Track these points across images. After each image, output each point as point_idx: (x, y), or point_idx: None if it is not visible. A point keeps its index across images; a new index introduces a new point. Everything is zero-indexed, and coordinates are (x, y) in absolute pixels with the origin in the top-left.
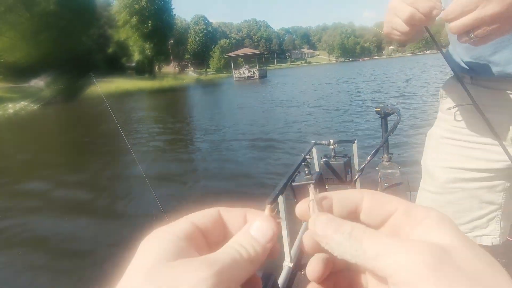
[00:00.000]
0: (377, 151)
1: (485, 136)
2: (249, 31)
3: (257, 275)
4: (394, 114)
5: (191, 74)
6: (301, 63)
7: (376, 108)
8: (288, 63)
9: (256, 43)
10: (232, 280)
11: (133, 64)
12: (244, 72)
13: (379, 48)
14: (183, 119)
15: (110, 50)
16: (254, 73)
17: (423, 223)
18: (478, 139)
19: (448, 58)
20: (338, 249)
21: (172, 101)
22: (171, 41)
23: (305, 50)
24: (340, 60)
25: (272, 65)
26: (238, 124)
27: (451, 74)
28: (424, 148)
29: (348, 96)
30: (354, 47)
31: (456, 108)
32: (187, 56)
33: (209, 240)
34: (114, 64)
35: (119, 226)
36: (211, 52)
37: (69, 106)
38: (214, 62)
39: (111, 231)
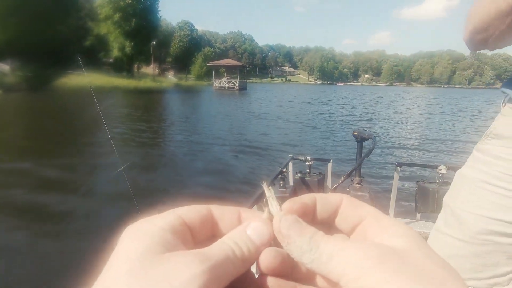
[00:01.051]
0: (351, 173)
1: None
2: (233, 43)
3: (252, 274)
4: (370, 140)
5: (171, 78)
6: (282, 80)
7: (353, 131)
8: (269, 79)
9: (240, 55)
10: (224, 277)
11: (111, 61)
12: (224, 82)
13: (355, 75)
14: (158, 120)
15: (88, 43)
16: (234, 84)
17: (387, 230)
18: None
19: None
20: (297, 251)
21: (149, 102)
22: (154, 42)
23: (287, 68)
24: (318, 81)
25: (253, 78)
26: (215, 130)
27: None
28: (453, 189)
29: (325, 116)
30: (333, 71)
31: (510, 152)
32: (169, 59)
33: (195, 236)
34: (91, 58)
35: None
36: (193, 59)
37: (34, 95)
38: (195, 68)
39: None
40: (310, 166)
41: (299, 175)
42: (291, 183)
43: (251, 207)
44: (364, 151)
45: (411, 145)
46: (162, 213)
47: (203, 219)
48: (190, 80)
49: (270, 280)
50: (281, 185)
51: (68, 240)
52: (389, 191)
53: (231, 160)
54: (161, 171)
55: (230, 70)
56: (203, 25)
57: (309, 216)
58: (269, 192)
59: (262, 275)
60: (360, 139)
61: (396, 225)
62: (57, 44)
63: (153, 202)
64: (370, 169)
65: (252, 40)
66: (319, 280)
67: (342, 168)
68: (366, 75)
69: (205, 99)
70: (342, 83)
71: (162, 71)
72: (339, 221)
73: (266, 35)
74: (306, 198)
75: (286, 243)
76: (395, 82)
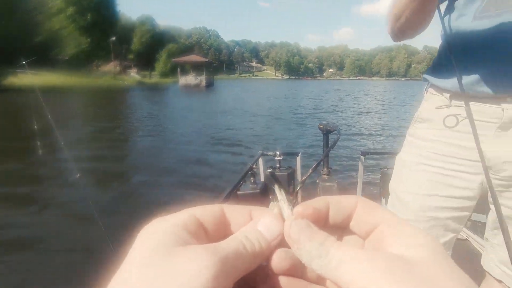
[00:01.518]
0: (318, 165)
1: (461, 164)
2: (199, 38)
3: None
4: (335, 132)
5: (134, 75)
6: (249, 76)
7: (319, 125)
8: (237, 75)
9: (206, 52)
10: (235, 271)
11: (67, 58)
12: (191, 79)
13: (320, 69)
14: (120, 120)
15: (39, 39)
16: (201, 81)
17: (404, 239)
18: (454, 166)
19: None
20: (307, 257)
21: (110, 101)
22: (113, 38)
23: (254, 64)
24: (285, 76)
25: (221, 75)
26: (182, 128)
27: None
28: (394, 174)
29: (293, 110)
30: (299, 66)
31: (434, 133)
32: (131, 56)
33: (208, 235)
34: (43, 56)
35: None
36: (157, 55)
37: None
38: (160, 65)
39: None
40: (279, 161)
41: (270, 170)
42: (262, 179)
43: (223, 202)
44: (331, 142)
45: (374, 134)
46: (178, 212)
47: (216, 218)
48: (154, 78)
49: (282, 279)
50: (252, 181)
51: (27, 254)
52: (356, 178)
53: (201, 157)
54: (126, 173)
55: (196, 67)
56: (165, 20)
57: (322, 221)
58: (281, 195)
59: (274, 274)
60: (326, 132)
61: (415, 234)
62: (1, 39)
63: (117, 208)
64: (338, 160)
65: (217, 36)
66: (330, 282)
67: (311, 160)
68: (331, 70)
69: (171, 96)
70: (308, 78)
71: (124, 69)
72: (353, 225)
73: (232, 30)
74: (318, 202)
75: (296, 248)
76: (357, 76)
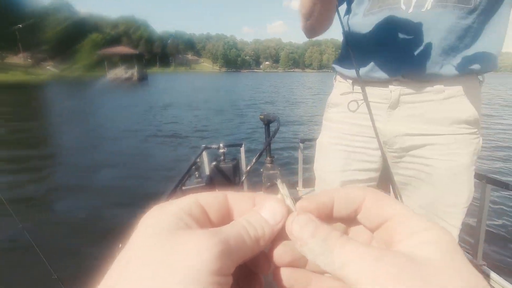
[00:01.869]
0: (261, 155)
1: (364, 141)
2: (127, 29)
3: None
4: (275, 122)
5: (50, 69)
6: (186, 69)
7: (260, 115)
8: (172, 68)
9: (136, 43)
10: (236, 255)
11: None
12: (120, 72)
13: (257, 62)
14: (37, 121)
15: None
16: (132, 74)
17: (417, 236)
18: (359, 144)
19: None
20: (310, 254)
21: (19, 99)
22: (20, 26)
23: (190, 57)
24: (223, 69)
25: (155, 68)
26: (115, 125)
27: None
28: (316, 156)
29: (233, 102)
30: (236, 59)
31: (342, 116)
32: (46, 47)
33: (212, 222)
34: None
35: None
36: (78, 46)
37: None
38: (83, 57)
39: None
40: (224, 153)
41: (214, 163)
42: (207, 173)
43: (169, 198)
44: (272, 132)
45: (311, 122)
46: (182, 198)
47: (220, 205)
48: (77, 71)
49: (285, 271)
50: (197, 175)
51: None
52: (297, 164)
53: (141, 154)
54: (53, 176)
55: (126, 59)
56: (86, 7)
57: (326, 215)
58: (284, 190)
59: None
60: (267, 122)
61: (427, 229)
62: None
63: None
64: (280, 148)
65: (148, 26)
66: None
67: (255, 150)
68: (267, 62)
69: (99, 92)
70: (246, 70)
71: (37, 61)
72: (362, 218)
73: (164, 21)
74: (322, 196)
75: (299, 245)
76: (292, 68)
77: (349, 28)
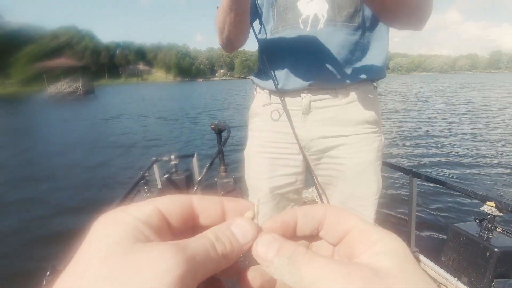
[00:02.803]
0: (212, 163)
1: (287, 147)
2: (69, 39)
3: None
4: (225, 130)
5: None
6: (137, 79)
7: (211, 125)
8: (122, 79)
9: (80, 55)
10: (201, 272)
11: None
12: (63, 86)
13: (212, 70)
14: None
15: None
16: (77, 88)
17: (375, 245)
18: (282, 150)
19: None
20: (278, 274)
21: None
22: None
23: (141, 67)
24: (177, 79)
25: (103, 80)
26: (58, 141)
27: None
28: (245, 166)
29: (186, 113)
30: (190, 68)
31: (264, 125)
32: None
33: (173, 229)
34: None
35: None
36: (12, 59)
37: None
38: (17, 71)
39: None
40: (176, 165)
41: (166, 175)
42: (159, 186)
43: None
44: (223, 141)
45: None
46: (139, 203)
47: (183, 212)
48: (11, 87)
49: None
50: (146, 190)
51: None
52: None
53: (85, 169)
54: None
55: (70, 72)
56: (19, 18)
57: (290, 233)
58: (257, 209)
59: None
60: (218, 131)
61: (383, 239)
62: None
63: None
64: (233, 156)
65: (92, 36)
66: None
67: (208, 160)
68: (222, 70)
69: (38, 109)
70: (201, 79)
71: None
72: (324, 234)
73: (110, 31)
74: (286, 215)
75: (266, 266)
76: (247, 75)
77: (263, 44)
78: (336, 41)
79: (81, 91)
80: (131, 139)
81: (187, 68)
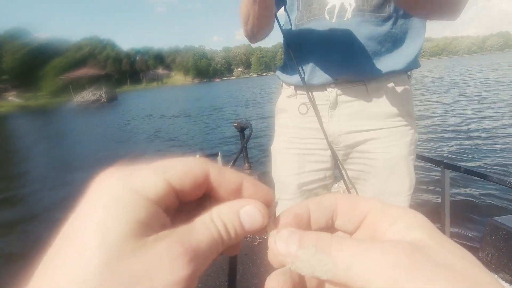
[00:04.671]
0: (236, 161)
1: (314, 142)
2: (92, 50)
3: None
4: (248, 128)
5: (13, 99)
6: (158, 84)
7: (234, 123)
8: (143, 84)
9: (103, 63)
10: (205, 264)
11: None
12: (87, 95)
13: (229, 69)
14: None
15: None
16: (101, 96)
17: (398, 221)
18: (310, 146)
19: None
20: (306, 268)
21: None
22: None
23: (160, 71)
24: (196, 80)
25: (125, 86)
26: (84, 150)
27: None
28: (272, 162)
29: (209, 113)
30: (207, 69)
31: (291, 120)
32: (5, 77)
33: (181, 199)
34: None
35: None
36: (41, 73)
37: None
38: (47, 84)
39: None
40: None
41: None
42: None
43: None
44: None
45: None
46: (146, 170)
47: (197, 183)
48: (42, 99)
49: None
50: None
51: None
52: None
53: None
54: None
55: (93, 81)
56: (46, 33)
57: (304, 227)
58: (274, 208)
59: None
60: (241, 129)
61: (405, 215)
62: None
63: None
64: (257, 154)
65: (114, 45)
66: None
67: (232, 158)
68: (239, 69)
69: (65, 119)
70: (218, 79)
71: None
72: (340, 223)
73: (130, 39)
74: (298, 208)
75: (291, 263)
76: (264, 72)
77: (288, 36)
78: (363, 32)
79: (105, 99)
80: (155, 139)
81: (205, 69)
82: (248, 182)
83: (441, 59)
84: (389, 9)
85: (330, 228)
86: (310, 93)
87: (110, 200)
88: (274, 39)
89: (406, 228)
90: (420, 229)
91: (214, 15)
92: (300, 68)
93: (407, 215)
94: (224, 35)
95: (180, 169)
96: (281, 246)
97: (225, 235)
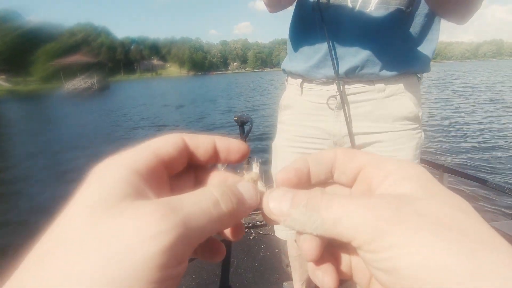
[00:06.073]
0: None
1: (317, 142)
2: (86, 36)
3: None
4: (248, 122)
5: (2, 83)
6: (152, 74)
7: (234, 117)
8: (137, 74)
9: (97, 51)
10: (198, 235)
11: None
12: (79, 83)
13: (225, 63)
14: None
15: None
16: (92, 84)
17: (393, 174)
18: (311, 145)
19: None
20: (297, 224)
21: None
22: None
23: (155, 62)
24: (191, 73)
25: (119, 76)
26: (79, 140)
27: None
28: (272, 158)
29: (207, 105)
30: (203, 62)
31: (294, 118)
32: None
33: (171, 171)
34: None
35: None
36: (32, 57)
37: None
38: (38, 69)
39: None
40: None
41: None
42: None
43: None
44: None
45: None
46: (135, 148)
47: (179, 151)
48: (32, 84)
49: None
50: None
51: None
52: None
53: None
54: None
55: (86, 69)
56: (39, 17)
57: (305, 181)
58: (256, 169)
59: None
60: (241, 123)
61: (401, 167)
62: None
63: None
64: (257, 147)
65: (108, 33)
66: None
67: None
68: (235, 63)
69: (55, 106)
70: (214, 73)
71: None
72: (337, 176)
73: (125, 27)
74: (298, 163)
75: (284, 221)
76: (260, 68)
77: (300, 19)
78: (386, 26)
79: (96, 87)
80: (150, 130)
81: (200, 61)
82: (220, 140)
83: (434, 63)
84: (416, 3)
85: (330, 182)
86: (337, 84)
87: (99, 172)
88: (271, 35)
89: (399, 181)
90: (412, 182)
91: (212, 8)
92: (305, 56)
93: (402, 168)
94: (221, 29)
95: (162, 140)
96: (274, 205)
97: (226, 204)
